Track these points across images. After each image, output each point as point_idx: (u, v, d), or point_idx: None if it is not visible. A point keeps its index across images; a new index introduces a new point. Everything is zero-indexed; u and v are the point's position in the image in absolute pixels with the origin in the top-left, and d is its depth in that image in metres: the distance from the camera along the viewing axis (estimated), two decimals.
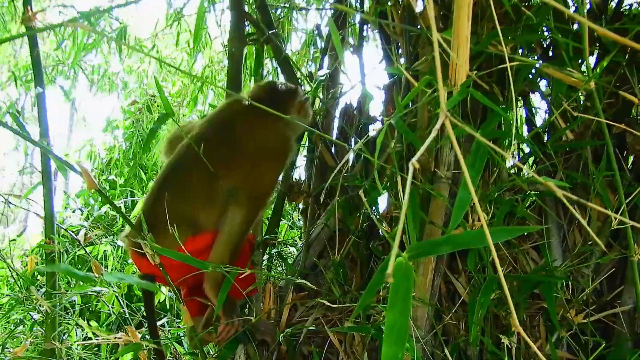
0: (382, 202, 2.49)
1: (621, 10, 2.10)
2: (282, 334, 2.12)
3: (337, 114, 2.85)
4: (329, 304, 2.06)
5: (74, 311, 3.33)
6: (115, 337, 2.19)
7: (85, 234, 4.38)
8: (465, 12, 0.97)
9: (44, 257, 2.59)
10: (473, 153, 1.32)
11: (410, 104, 2.38)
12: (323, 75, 2.36)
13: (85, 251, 2.28)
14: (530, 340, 0.72)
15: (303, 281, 1.84)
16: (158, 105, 7.31)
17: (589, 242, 1.91)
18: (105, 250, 4.45)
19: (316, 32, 3.27)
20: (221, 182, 1.93)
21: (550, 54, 2.02)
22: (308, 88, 3.05)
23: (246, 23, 2.64)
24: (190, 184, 2.01)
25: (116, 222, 5.41)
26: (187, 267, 1.73)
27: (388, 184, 2.11)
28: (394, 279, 0.64)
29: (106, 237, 4.49)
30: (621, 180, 1.55)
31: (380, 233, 2.48)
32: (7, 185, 12.30)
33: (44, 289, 2.46)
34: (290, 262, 2.83)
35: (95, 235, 4.65)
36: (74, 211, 6.54)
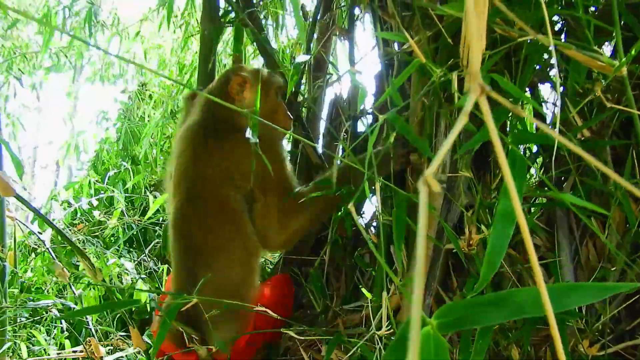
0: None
1: None
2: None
3: (326, 105, 2.58)
4: (305, 327, 1.79)
5: (40, 319, 3.07)
6: (73, 352, 1.94)
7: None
8: None
9: None
10: (511, 155, 1.03)
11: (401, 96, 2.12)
12: (302, 63, 2.06)
13: (51, 254, 2.02)
14: None
15: None
16: (149, 95, 7.03)
17: (605, 260, 1.63)
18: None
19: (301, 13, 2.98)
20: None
21: (563, 37, 1.73)
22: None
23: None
24: (207, 237, 1.81)
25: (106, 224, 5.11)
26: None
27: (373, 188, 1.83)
28: None
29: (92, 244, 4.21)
30: None
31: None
32: None
33: None
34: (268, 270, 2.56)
35: (79, 231, 4.40)
36: (62, 205, 6.29)
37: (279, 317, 1.64)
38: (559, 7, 1.47)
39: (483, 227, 1.44)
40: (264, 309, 1.56)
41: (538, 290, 0.44)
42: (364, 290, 1.93)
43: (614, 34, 1.05)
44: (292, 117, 1.94)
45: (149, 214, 3.55)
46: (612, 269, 1.62)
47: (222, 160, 1.79)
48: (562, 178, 1.76)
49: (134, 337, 1.61)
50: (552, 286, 0.64)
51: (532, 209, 1.75)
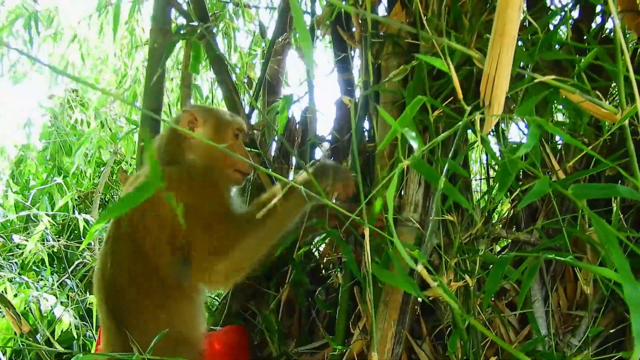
0: None
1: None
2: None
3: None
4: None
5: None
6: None
7: None
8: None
9: None
10: None
11: (368, 123, 2.02)
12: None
13: None
14: None
15: None
16: (81, 102, 6.59)
17: (578, 306, 1.59)
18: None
19: (258, 31, 2.84)
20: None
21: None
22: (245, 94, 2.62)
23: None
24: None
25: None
26: None
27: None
28: None
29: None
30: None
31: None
32: None
33: None
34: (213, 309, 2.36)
35: None
36: None
37: None
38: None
39: (466, 276, 1.34)
40: None
41: None
42: (324, 334, 1.80)
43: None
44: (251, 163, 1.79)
45: (84, 243, 3.24)
46: (584, 315, 1.58)
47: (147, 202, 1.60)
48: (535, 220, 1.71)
49: None
50: None
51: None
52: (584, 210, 0.77)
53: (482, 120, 0.92)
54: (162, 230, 1.55)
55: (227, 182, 1.74)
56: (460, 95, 0.90)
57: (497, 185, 1.45)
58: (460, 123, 0.89)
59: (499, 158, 1.26)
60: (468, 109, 0.90)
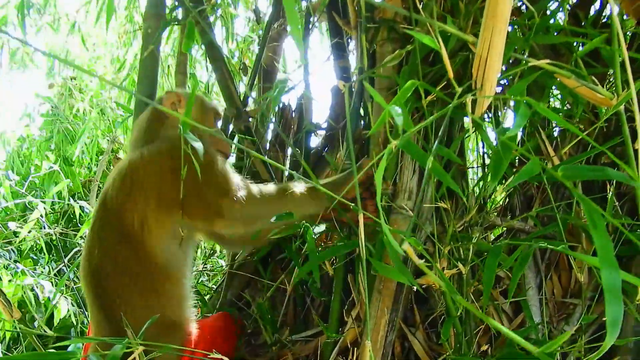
0: None
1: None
2: None
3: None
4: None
5: None
6: None
7: None
8: None
9: None
10: None
11: (362, 110, 2.00)
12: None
13: None
14: None
15: None
16: (80, 90, 6.55)
17: (572, 294, 1.58)
18: None
19: (253, 18, 2.82)
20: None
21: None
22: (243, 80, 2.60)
23: None
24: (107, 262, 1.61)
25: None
26: None
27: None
28: None
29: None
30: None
31: None
32: None
33: None
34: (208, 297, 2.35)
35: None
36: None
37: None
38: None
39: (459, 264, 1.33)
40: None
41: None
42: (319, 322, 1.79)
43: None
44: (230, 144, 1.81)
45: (81, 231, 3.23)
46: (578, 303, 1.58)
47: (136, 183, 1.61)
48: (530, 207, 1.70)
49: None
50: None
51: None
52: (571, 190, 0.75)
53: (474, 103, 0.91)
54: (147, 202, 1.56)
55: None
56: (450, 74, 0.88)
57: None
58: (451, 104, 0.87)
59: (494, 145, 1.25)
60: (459, 90, 0.88)
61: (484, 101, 0.92)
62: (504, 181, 1.78)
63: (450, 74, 0.88)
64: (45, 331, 1.40)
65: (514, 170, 1.72)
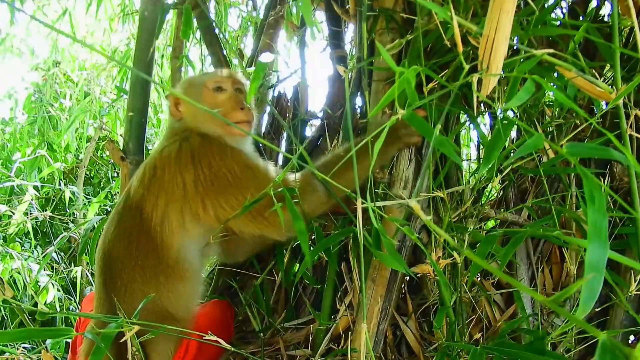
0: None
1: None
2: None
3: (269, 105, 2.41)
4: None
5: None
6: None
7: None
8: None
9: None
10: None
11: (361, 99, 2.00)
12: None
13: None
14: None
15: None
16: (65, 76, 6.46)
17: (563, 287, 1.60)
18: None
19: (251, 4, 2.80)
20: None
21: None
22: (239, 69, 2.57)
23: None
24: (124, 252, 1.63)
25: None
26: None
27: None
28: None
29: None
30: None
31: None
32: None
33: None
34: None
35: None
36: None
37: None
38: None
39: (454, 253, 1.34)
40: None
41: None
42: (311, 309, 1.80)
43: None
44: (243, 106, 1.69)
45: (86, 221, 3.20)
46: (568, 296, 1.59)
47: (157, 180, 1.60)
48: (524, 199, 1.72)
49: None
50: None
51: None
52: (575, 165, 0.75)
53: (479, 85, 0.91)
54: (169, 203, 1.57)
55: (233, 141, 1.69)
56: (460, 48, 0.88)
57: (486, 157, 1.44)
58: (458, 82, 0.88)
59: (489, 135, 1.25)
60: (467, 67, 0.88)
61: (489, 81, 0.92)
62: (499, 174, 1.80)
63: (460, 46, 0.89)
64: (36, 312, 1.39)
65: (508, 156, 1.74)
